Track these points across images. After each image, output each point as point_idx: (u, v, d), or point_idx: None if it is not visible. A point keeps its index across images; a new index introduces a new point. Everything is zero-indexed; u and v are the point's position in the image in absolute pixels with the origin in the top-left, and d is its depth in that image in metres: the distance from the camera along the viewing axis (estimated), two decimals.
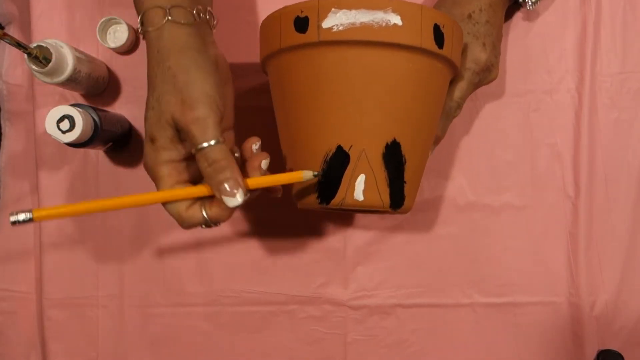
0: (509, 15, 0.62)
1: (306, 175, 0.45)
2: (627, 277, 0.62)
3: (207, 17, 0.45)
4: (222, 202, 0.40)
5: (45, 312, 0.61)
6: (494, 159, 0.62)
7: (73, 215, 0.39)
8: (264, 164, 0.44)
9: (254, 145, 0.44)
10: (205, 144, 0.40)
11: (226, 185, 0.40)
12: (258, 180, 0.43)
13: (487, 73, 0.55)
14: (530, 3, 0.59)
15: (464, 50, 0.53)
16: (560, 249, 0.62)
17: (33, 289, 0.62)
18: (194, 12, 0.43)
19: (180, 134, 0.41)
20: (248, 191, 0.41)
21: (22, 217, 0.37)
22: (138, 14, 0.43)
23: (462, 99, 0.54)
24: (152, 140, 0.42)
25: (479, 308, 0.62)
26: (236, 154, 0.47)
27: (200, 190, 0.42)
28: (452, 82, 0.53)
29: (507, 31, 0.62)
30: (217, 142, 0.40)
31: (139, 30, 0.44)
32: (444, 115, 0.54)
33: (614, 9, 0.62)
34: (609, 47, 0.62)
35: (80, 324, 0.61)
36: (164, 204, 0.42)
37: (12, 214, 0.37)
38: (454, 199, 0.62)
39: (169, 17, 0.42)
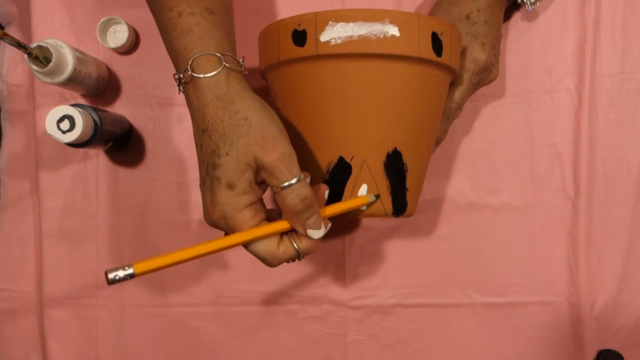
0: (508, 15, 0.62)
1: (370, 198, 0.46)
2: (627, 277, 0.62)
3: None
4: (306, 235, 0.42)
5: (45, 312, 0.61)
6: (494, 159, 0.62)
7: (171, 266, 0.39)
8: (326, 194, 0.45)
9: (307, 179, 0.44)
10: (293, 181, 0.40)
11: (313, 220, 0.41)
12: (333, 209, 0.45)
13: (487, 73, 0.55)
14: (529, 4, 0.59)
15: (463, 51, 0.53)
16: (560, 249, 0.62)
17: (33, 289, 0.62)
18: (241, 60, 0.44)
19: (262, 174, 0.41)
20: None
21: (122, 273, 0.36)
22: (182, 60, 0.43)
23: (463, 100, 0.54)
24: (230, 186, 0.40)
25: (479, 308, 0.62)
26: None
27: (286, 224, 0.42)
28: (452, 84, 0.53)
29: (506, 31, 0.62)
30: (301, 179, 0.40)
31: (182, 78, 0.43)
32: (445, 117, 0.54)
33: (614, 9, 0.62)
34: (609, 47, 0.62)
35: (80, 324, 0.61)
36: (251, 245, 0.42)
37: (109, 272, 0.36)
38: (454, 199, 0.62)
39: (226, 64, 0.42)
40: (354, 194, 0.47)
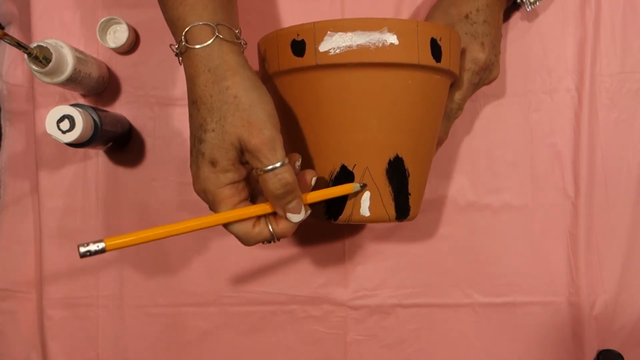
0: (508, 15, 0.62)
1: (355, 187, 0.46)
2: (626, 277, 0.62)
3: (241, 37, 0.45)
4: (286, 218, 0.42)
5: (45, 312, 0.61)
6: (494, 159, 0.62)
7: (143, 242, 0.40)
8: (313, 180, 0.45)
9: (297, 162, 0.44)
10: (277, 165, 0.40)
11: (293, 205, 0.42)
12: (316, 195, 0.45)
13: (488, 72, 0.55)
14: (528, 4, 0.59)
15: (463, 51, 0.53)
16: (560, 249, 0.62)
17: (33, 289, 0.62)
18: (236, 31, 0.43)
19: (245, 156, 0.41)
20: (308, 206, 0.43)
21: (93, 247, 0.37)
22: (177, 31, 0.43)
23: (463, 100, 0.54)
24: (213, 163, 0.41)
25: (479, 308, 0.62)
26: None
27: (265, 208, 0.43)
28: (453, 85, 0.53)
29: (506, 31, 0.62)
30: (284, 163, 0.40)
31: (177, 48, 0.43)
32: (446, 118, 0.54)
33: (614, 9, 0.62)
34: (608, 47, 0.62)
35: (80, 324, 0.61)
36: (228, 224, 0.43)
37: (81, 246, 0.37)
38: (455, 199, 0.62)
39: (219, 35, 0.41)
40: (356, 201, 0.47)
